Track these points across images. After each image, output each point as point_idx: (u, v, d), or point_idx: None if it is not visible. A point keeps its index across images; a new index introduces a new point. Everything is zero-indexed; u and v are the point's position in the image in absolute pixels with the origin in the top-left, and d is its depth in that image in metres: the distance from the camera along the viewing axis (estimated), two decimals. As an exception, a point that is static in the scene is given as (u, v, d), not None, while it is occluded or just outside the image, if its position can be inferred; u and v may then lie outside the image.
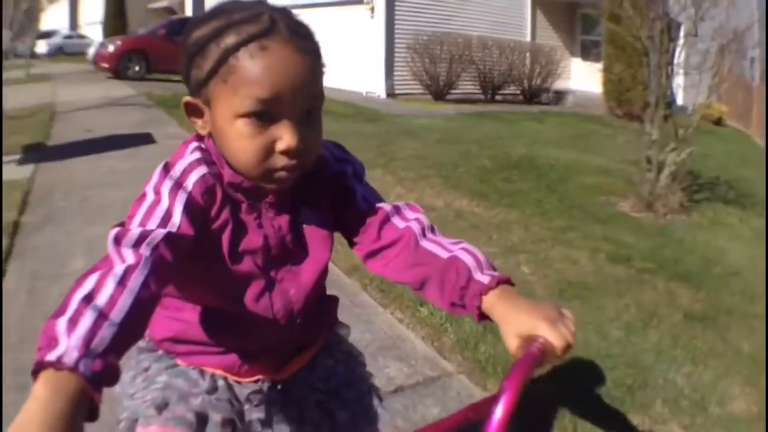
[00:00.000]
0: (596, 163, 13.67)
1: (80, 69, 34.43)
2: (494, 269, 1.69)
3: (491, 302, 1.60)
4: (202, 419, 1.75)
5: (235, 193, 1.71)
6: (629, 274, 7.43)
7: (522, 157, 14.13)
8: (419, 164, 12.25)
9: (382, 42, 27.31)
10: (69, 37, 61.76)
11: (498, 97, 28.65)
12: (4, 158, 11.47)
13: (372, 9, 27.55)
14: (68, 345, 1.14)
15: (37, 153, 12.22)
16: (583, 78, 27.71)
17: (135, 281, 1.32)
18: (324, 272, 1.89)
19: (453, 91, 27.31)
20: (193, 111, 1.67)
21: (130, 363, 1.92)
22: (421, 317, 5.58)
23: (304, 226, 1.83)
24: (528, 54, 29.14)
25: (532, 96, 29.33)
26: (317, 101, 1.65)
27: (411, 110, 22.99)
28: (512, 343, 1.51)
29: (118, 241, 1.42)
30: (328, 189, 1.86)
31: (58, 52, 56.80)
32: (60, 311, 1.22)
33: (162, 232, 1.48)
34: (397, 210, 1.86)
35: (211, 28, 1.58)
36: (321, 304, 1.99)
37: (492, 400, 1.35)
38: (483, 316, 1.63)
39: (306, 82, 1.57)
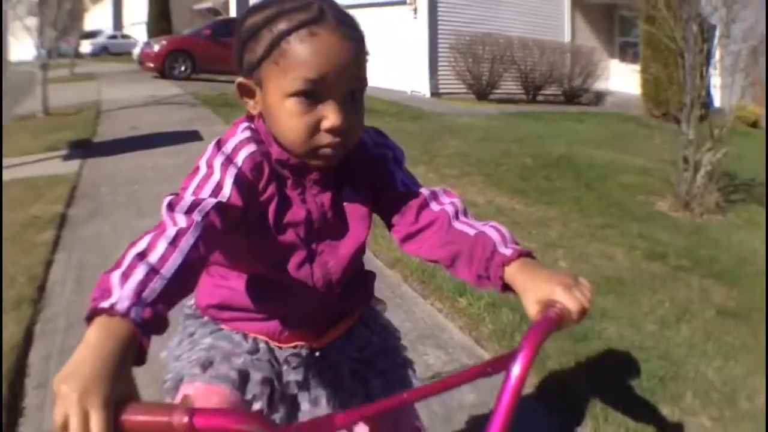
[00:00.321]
0: (634, 163, 13.70)
1: (125, 68, 34.80)
2: (518, 244, 1.79)
3: (513, 273, 1.71)
4: (243, 377, 1.90)
5: (282, 170, 1.86)
6: (664, 271, 7.48)
7: (562, 156, 14.24)
8: (462, 162, 12.41)
9: (426, 42, 27.44)
10: (113, 37, 62.08)
11: (539, 98, 28.65)
12: (51, 154, 11.84)
13: (415, 9, 27.66)
14: (121, 294, 1.27)
15: (83, 149, 12.44)
16: (621, 79, 27.65)
17: (186, 242, 1.46)
18: (362, 247, 2.02)
19: (495, 91, 27.35)
20: (245, 91, 1.82)
21: (177, 329, 2.10)
22: (460, 308, 5.72)
23: (345, 203, 1.96)
24: (568, 55, 29.10)
25: (572, 96, 29.27)
26: (360, 83, 1.78)
27: (454, 109, 23.05)
28: (532, 309, 1.60)
29: (171, 207, 1.56)
30: (367, 171, 1.99)
31: (103, 52, 57.13)
32: (115, 266, 1.36)
33: (213, 200, 1.63)
34: (434, 195, 1.98)
35: (264, 15, 1.71)
36: (358, 277, 2.11)
37: (509, 358, 1.43)
38: (506, 287, 1.73)
39: (350, 65, 1.71)
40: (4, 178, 10.04)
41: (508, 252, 1.74)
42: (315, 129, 1.71)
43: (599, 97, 29.26)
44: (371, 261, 6.74)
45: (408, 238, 1.99)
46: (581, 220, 9.26)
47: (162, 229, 1.49)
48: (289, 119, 1.72)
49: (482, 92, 27.04)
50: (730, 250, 8.89)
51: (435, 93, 27.29)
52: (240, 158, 1.78)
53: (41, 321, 5.26)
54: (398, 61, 27.87)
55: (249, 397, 1.90)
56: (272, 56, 1.68)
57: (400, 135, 14.01)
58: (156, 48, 28.67)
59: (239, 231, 1.78)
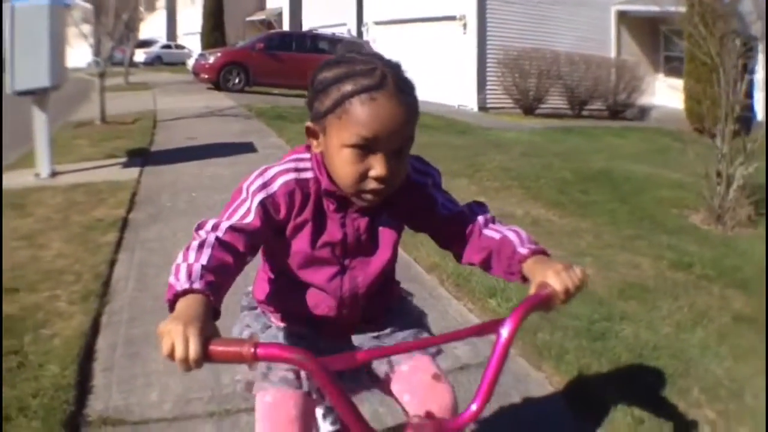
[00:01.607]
0: (672, 177, 13.84)
1: (179, 79, 35.44)
2: (535, 244, 2.22)
3: (528, 267, 2.15)
4: (296, 374, 2.34)
5: (328, 197, 2.25)
6: (688, 280, 7.73)
7: (600, 170, 14.48)
8: (503, 175, 12.75)
9: (474, 57, 27.84)
10: (167, 46, 62.58)
11: (584, 112, 28.90)
12: (110, 161, 12.42)
13: (464, 25, 28.02)
14: (179, 284, 1.80)
15: (141, 157, 12.91)
16: (666, 94, 27.79)
17: (207, 247, 1.97)
18: (388, 265, 2.43)
19: (542, 106, 27.77)
20: (311, 133, 2.19)
21: (237, 320, 2.63)
22: (489, 308, 6.13)
23: (380, 228, 2.36)
24: (613, 70, 29.25)
25: (617, 111, 29.46)
26: (408, 142, 2.11)
27: (500, 124, 23.42)
28: (532, 290, 2.04)
29: (197, 228, 2.09)
30: (411, 196, 2.35)
31: (156, 62, 57.53)
32: (171, 275, 1.87)
33: (227, 223, 2.10)
34: (470, 209, 2.41)
35: (334, 73, 2.07)
36: (383, 290, 2.50)
37: (499, 323, 1.87)
38: (525, 279, 2.16)
39: (401, 128, 2.04)
40: (67, 182, 10.69)
41: (524, 251, 2.19)
42: (364, 176, 2.07)
43: (643, 111, 29.28)
44: (412, 266, 7.24)
45: (451, 247, 2.46)
46: (613, 232, 9.53)
47: (187, 245, 1.99)
48: (343, 165, 2.08)
49: (529, 107, 27.41)
50: (756, 261, 8.96)
51: (482, 107, 27.70)
52: (276, 184, 2.22)
53: (107, 313, 5.77)
54: (447, 75, 28.32)
55: (306, 389, 2.34)
56: (336, 112, 2.04)
57: (445, 149, 14.41)
58: (211, 60, 29.15)
59: (281, 240, 2.29)
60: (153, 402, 4.41)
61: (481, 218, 2.38)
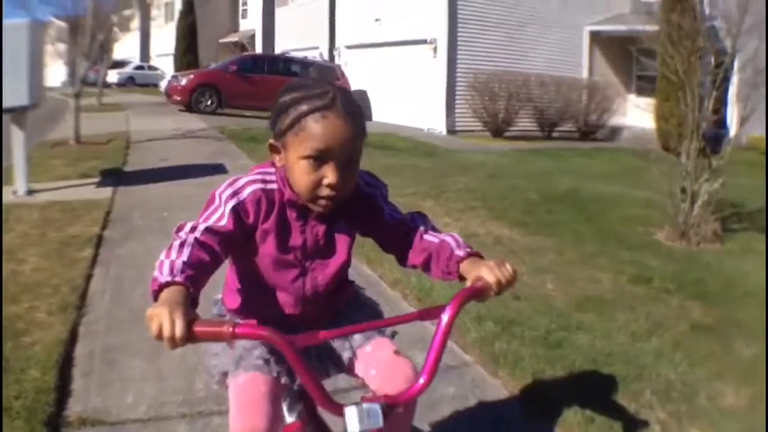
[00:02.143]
0: (639, 196, 13.93)
1: (152, 100, 35.63)
2: (470, 248, 2.57)
3: (464, 266, 2.50)
4: (266, 361, 2.62)
5: (291, 207, 2.56)
6: (647, 293, 7.96)
7: (568, 190, 14.74)
8: (468, 197, 12.97)
9: (444, 80, 28.05)
10: (140, 67, 62.50)
11: (555, 134, 29.18)
12: (85, 180, 12.64)
13: (434, 48, 28.23)
14: (162, 277, 2.11)
15: (114, 177, 13.15)
16: (637, 114, 28.09)
17: (187, 246, 2.27)
18: (344, 266, 2.74)
19: (511, 128, 27.97)
20: (274, 149, 2.52)
21: None
22: (459, 319, 6.34)
23: (336, 234, 2.67)
24: (584, 91, 29.57)
25: (588, 132, 29.75)
26: (355, 155, 2.45)
27: (469, 146, 23.69)
28: (469, 284, 2.41)
29: (177, 230, 2.38)
30: (361, 207, 2.68)
31: (129, 83, 57.37)
32: (156, 270, 2.16)
33: (204, 225, 2.38)
34: (412, 218, 2.75)
35: (292, 97, 2.41)
36: (341, 287, 2.82)
37: (440, 309, 2.27)
38: (462, 278, 2.50)
39: (349, 142, 2.38)
40: (44, 199, 10.93)
41: (461, 253, 2.54)
42: (318, 184, 2.40)
43: (615, 132, 29.50)
44: (377, 283, 7.52)
45: (394, 251, 2.79)
46: (576, 249, 9.77)
47: (170, 245, 2.29)
48: (301, 175, 2.41)
49: (498, 129, 27.66)
50: (718, 274, 9.26)
51: (451, 130, 28.02)
52: (245, 193, 2.51)
53: (84, 324, 6.01)
54: (417, 98, 28.67)
55: (275, 374, 2.62)
56: (294, 129, 2.38)
57: (412, 171, 14.68)
58: (183, 82, 29.31)
59: (250, 245, 2.58)
60: (129, 404, 4.65)
61: (421, 226, 2.72)
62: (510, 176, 16.45)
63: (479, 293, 2.37)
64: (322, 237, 2.65)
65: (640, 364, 5.79)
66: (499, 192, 13.76)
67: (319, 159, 2.37)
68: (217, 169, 14.47)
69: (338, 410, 2.14)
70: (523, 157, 21.78)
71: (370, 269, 7.92)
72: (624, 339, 6.40)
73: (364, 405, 2.14)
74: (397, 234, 2.73)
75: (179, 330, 1.89)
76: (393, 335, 2.89)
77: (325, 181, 2.39)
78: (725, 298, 8.14)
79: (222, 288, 2.92)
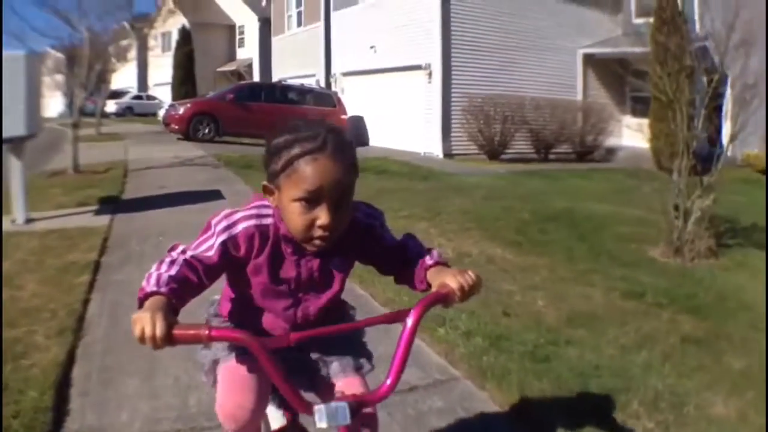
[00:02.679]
0: (633, 214, 14.10)
1: (150, 129, 35.73)
2: (440, 257, 2.74)
3: (430, 275, 2.65)
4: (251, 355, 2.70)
5: (286, 242, 2.64)
6: (638, 308, 8.05)
7: (561, 210, 14.81)
8: (463, 218, 13.04)
9: (439, 104, 28.13)
10: (138, 97, 62.37)
11: (551, 156, 29.21)
12: (83, 209, 12.77)
13: (429, 74, 28.31)
14: (148, 287, 2.29)
15: (112, 205, 13.29)
16: (633, 134, 28.05)
17: (176, 264, 2.44)
18: (336, 297, 2.86)
19: (507, 151, 28.00)
20: (268, 191, 2.57)
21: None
22: (438, 336, 6.49)
23: (331, 267, 2.77)
24: (579, 113, 29.70)
25: (584, 154, 29.81)
26: (347, 194, 2.50)
27: (465, 169, 23.77)
28: (434, 290, 2.54)
29: (170, 249, 2.55)
30: (360, 238, 2.76)
31: (127, 112, 57.22)
32: (144, 281, 2.34)
33: (193, 252, 2.52)
34: (404, 243, 2.86)
35: (285, 139, 2.47)
36: (332, 314, 2.90)
37: (405, 313, 2.40)
38: (430, 286, 2.64)
39: (340, 182, 2.43)
40: (42, 228, 11.05)
41: (430, 262, 2.71)
42: (311, 225, 2.46)
43: (611, 153, 29.58)
44: (369, 302, 7.60)
45: (392, 275, 2.91)
46: (568, 267, 9.86)
47: (161, 260, 2.47)
48: (294, 216, 2.47)
49: (494, 152, 27.69)
50: (711, 288, 9.34)
51: (448, 154, 28.04)
52: (237, 228, 2.60)
53: (82, 346, 6.13)
54: (413, 123, 28.80)
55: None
56: (286, 171, 2.44)
57: (407, 194, 14.79)
58: (181, 111, 29.43)
59: (241, 274, 2.70)
60: (124, 422, 4.76)
61: (413, 247, 2.85)
62: (505, 198, 16.53)
63: (443, 299, 2.49)
64: (317, 271, 2.73)
65: (628, 376, 5.87)
66: (493, 213, 13.86)
67: (311, 201, 2.43)
68: (214, 195, 14.61)
69: (309, 409, 2.27)
70: (518, 179, 21.88)
71: (362, 289, 7.99)
72: (613, 352, 6.49)
73: (332, 404, 2.26)
74: (395, 258, 2.83)
75: (159, 331, 2.07)
76: (369, 370, 3.01)
77: (318, 222, 2.45)
78: (717, 312, 8.22)
79: (219, 291, 3.04)
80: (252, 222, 2.62)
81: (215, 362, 2.88)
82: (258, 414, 2.84)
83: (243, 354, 2.75)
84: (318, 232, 2.48)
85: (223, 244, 2.57)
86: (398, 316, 2.45)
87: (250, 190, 15.13)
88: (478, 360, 5.97)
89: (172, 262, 2.44)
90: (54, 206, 13.12)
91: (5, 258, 8.87)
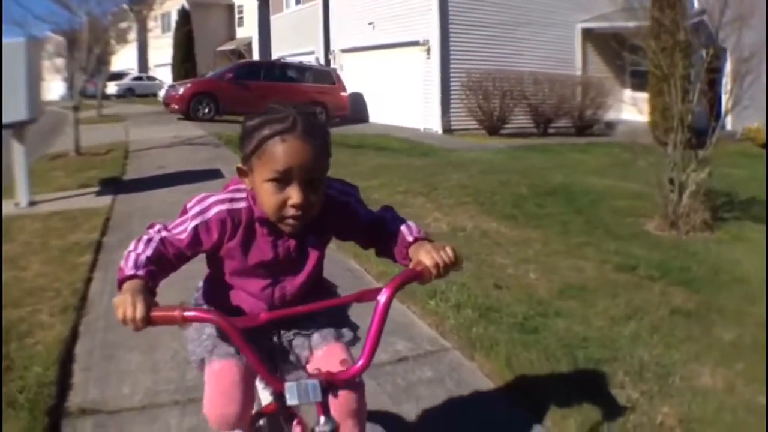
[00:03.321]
0: (631, 188, 14.13)
1: (151, 110, 35.77)
2: (419, 232, 2.73)
3: (412, 250, 2.65)
4: (236, 349, 2.77)
5: (262, 223, 2.69)
6: (630, 281, 8.14)
7: (559, 184, 14.93)
8: (459, 192, 13.19)
9: (438, 80, 28.16)
10: (138, 78, 62.47)
11: (551, 130, 29.26)
12: (85, 190, 12.95)
13: (428, 50, 28.30)
14: (127, 270, 2.42)
15: (113, 186, 13.45)
16: (632, 108, 27.92)
17: (153, 242, 2.57)
18: (313, 276, 2.91)
19: (506, 126, 28.09)
20: (242, 173, 2.63)
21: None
22: (429, 308, 6.65)
23: (308, 246, 2.82)
24: (578, 87, 29.68)
25: (583, 128, 29.77)
26: (318, 174, 2.53)
27: (464, 145, 23.90)
28: (410, 267, 2.56)
29: (148, 227, 2.68)
30: (336, 216, 2.79)
31: (128, 94, 57.30)
32: (123, 261, 2.47)
33: (167, 234, 2.63)
34: (381, 216, 2.84)
35: (256, 122, 2.52)
36: (311, 291, 2.94)
37: (377, 292, 2.45)
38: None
39: (309, 162, 2.47)
40: (45, 210, 11.22)
41: (410, 238, 2.70)
42: (283, 204, 2.51)
43: (610, 127, 29.46)
44: (363, 276, 7.81)
45: (372, 247, 2.91)
46: (562, 241, 9.98)
47: (140, 237, 2.60)
48: (266, 197, 2.53)
49: (493, 127, 27.82)
50: (706, 261, 9.42)
51: (447, 130, 28.16)
52: (210, 213, 2.67)
53: (84, 323, 6.32)
54: (412, 99, 28.81)
55: (245, 362, 2.80)
56: (257, 153, 2.49)
57: (405, 170, 14.90)
58: (181, 91, 29.54)
59: (216, 257, 2.79)
60: (125, 395, 4.94)
61: (390, 219, 2.84)
62: (503, 172, 16.58)
63: (417, 276, 2.50)
64: (294, 250, 2.79)
65: (615, 347, 5.99)
66: (490, 187, 13.95)
67: (282, 181, 2.48)
68: (213, 174, 14.70)
69: (280, 386, 2.33)
70: (517, 153, 21.91)
71: (356, 263, 8.18)
72: (602, 324, 6.60)
73: (303, 381, 2.30)
74: (373, 232, 2.84)
75: (139, 313, 2.22)
76: (353, 341, 3.06)
77: (290, 202, 2.50)
78: (710, 285, 8.30)
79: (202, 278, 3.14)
80: (225, 206, 2.69)
81: (201, 361, 3.00)
82: (245, 415, 2.95)
83: (225, 356, 2.89)
84: (290, 212, 2.53)
85: (195, 228, 2.65)
86: (371, 294, 2.48)
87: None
88: (468, 331, 6.10)
89: (149, 241, 2.57)
90: (56, 188, 13.29)
91: (10, 240, 9.06)
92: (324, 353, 2.94)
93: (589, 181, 15.81)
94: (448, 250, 2.55)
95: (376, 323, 2.42)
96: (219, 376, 2.89)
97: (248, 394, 2.93)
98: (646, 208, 12.27)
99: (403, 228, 2.76)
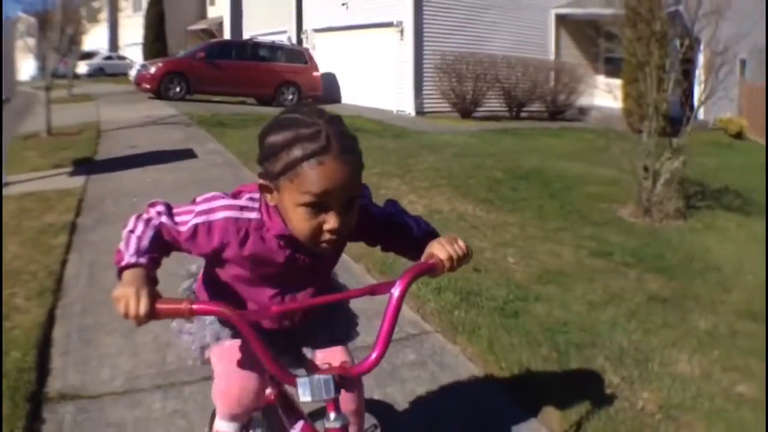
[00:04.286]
0: (604, 174, 14.24)
1: (122, 89, 35.29)
2: (428, 226, 2.68)
3: (423, 245, 2.50)
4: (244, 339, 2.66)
5: (278, 239, 2.47)
6: (606, 266, 8.25)
7: (533, 169, 14.96)
8: (434, 175, 13.17)
9: (411, 62, 28.07)
10: (109, 58, 61.65)
11: (523, 114, 29.29)
12: (57, 171, 12.79)
13: (401, 31, 28.24)
14: (127, 256, 2.28)
15: (86, 166, 13.29)
16: (605, 94, 28.08)
17: (151, 226, 2.43)
18: (326, 285, 2.83)
19: (479, 109, 28.09)
20: (265, 189, 2.34)
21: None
22: (410, 291, 6.53)
23: (322, 260, 2.67)
24: (552, 72, 29.78)
25: (556, 113, 29.88)
26: (355, 193, 2.31)
27: (437, 127, 23.79)
28: (422, 260, 2.44)
29: (150, 205, 2.52)
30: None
31: (99, 73, 56.51)
32: (122, 242, 2.34)
33: (165, 219, 2.46)
34: (389, 212, 2.71)
35: (283, 138, 2.22)
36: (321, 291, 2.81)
37: (391, 284, 2.32)
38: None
39: (348, 184, 2.23)
40: (18, 191, 11.08)
41: (419, 234, 2.62)
42: (319, 230, 2.27)
43: (583, 112, 29.68)
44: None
45: (378, 244, 2.79)
46: (538, 225, 10.03)
47: (140, 215, 2.46)
48: (299, 222, 2.27)
49: (466, 110, 27.81)
50: (679, 249, 9.59)
51: (420, 112, 28.09)
52: (216, 216, 2.46)
53: (61, 307, 6.23)
54: (385, 81, 28.73)
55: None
56: (288, 175, 2.20)
57: (379, 152, 14.81)
58: (152, 70, 29.17)
59: (217, 261, 2.60)
60: (105, 379, 4.89)
61: (396, 214, 2.73)
62: (476, 155, 16.64)
63: (430, 269, 2.38)
64: (307, 265, 2.61)
65: (594, 332, 6.07)
66: (464, 170, 13.96)
67: (317, 205, 2.23)
68: (186, 154, 14.69)
69: (292, 381, 2.24)
70: (489, 136, 21.92)
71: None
72: (581, 309, 6.69)
73: (316, 376, 2.22)
74: (381, 231, 2.70)
75: (143, 308, 2.07)
76: (355, 336, 3.05)
77: (326, 227, 2.27)
78: (685, 272, 8.43)
79: (201, 265, 2.97)
80: (232, 214, 2.48)
81: (203, 348, 2.88)
82: (261, 396, 2.83)
83: (232, 333, 2.79)
84: (326, 236, 2.30)
85: (196, 226, 2.47)
86: (383, 288, 2.36)
87: (223, 149, 15.39)
88: (449, 315, 6.15)
89: (148, 221, 2.44)
90: (29, 169, 13.15)
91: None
92: (325, 354, 2.89)
93: (562, 166, 15.89)
94: (461, 242, 2.45)
95: (390, 317, 2.31)
96: (231, 352, 2.76)
97: (264, 375, 2.78)
98: (620, 194, 12.42)
99: (410, 222, 2.69)
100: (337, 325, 3.01)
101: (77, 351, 5.34)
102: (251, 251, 2.50)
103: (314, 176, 2.17)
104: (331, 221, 2.25)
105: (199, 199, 2.53)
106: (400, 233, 2.67)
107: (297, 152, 2.18)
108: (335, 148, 2.19)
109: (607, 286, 7.44)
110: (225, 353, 2.79)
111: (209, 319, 2.87)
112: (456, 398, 4.88)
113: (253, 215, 2.48)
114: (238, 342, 2.76)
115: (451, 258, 2.40)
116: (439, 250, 2.41)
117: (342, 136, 2.25)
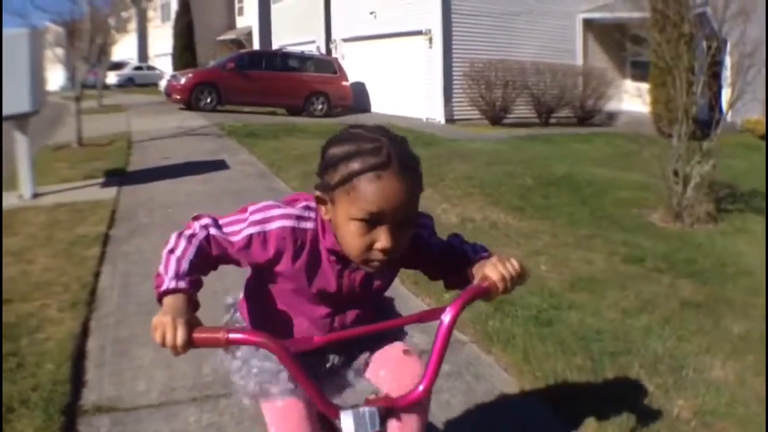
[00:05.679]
0: (634, 179, 14.12)
1: (152, 100, 35.60)
2: (484, 250, 2.53)
3: (475, 268, 2.39)
4: (293, 382, 2.49)
5: (330, 254, 2.41)
6: (639, 272, 8.19)
7: (563, 175, 14.91)
8: (466, 184, 13.15)
9: (440, 70, 28.09)
10: (139, 68, 62.26)
11: (552, 120, 29.16)
12: (89, 182, 12.85)
13: (430, 39, 28.27)
14: (167, 280, 2.21)
15: (118, 177, 13.32)
16: (633, 99, 27.90)
17: (196, 239, 2.35)
18: (377, 305, 2.75)
19: (509, 116, 28.05)
20: (321, 201, 2.28)
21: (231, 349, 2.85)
22: (444, 301, 6.32)
23: (375, 278, 2.54)
24: (580, 77, 29.64)
25: (585, 118, 29.74)
26: (411, 214, 2.22)
27: (467, 135, 23.72)
28: (475, 283, 2.32)
29: (195, 218, 2.43)
30: (409, 248, 2.39)
31: (128, 83, 57.06)
32: (162, 264, 2.27)
33: (217, 231, 2.37)
34: (450, 243, 2.60)
35: (344, 150, 2.18)
36: (372, 315, 2.71)
37: (440, 311, 2.23)
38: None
39: (404, 203, 2.14)
40: (49, 202, 11.12)
41: (474, 257, 2.47)
42: (369, 247, 2.19)
43: (611, 117, 29.49)
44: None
45: (438, 278, 2.67)
46: (570, 232, 9.99)
47: (182, 231, 2.38)
48: (351, 237, 2.20)
49: (495, 117, 27.77)
50: (711, 253, 9.49)
51: (450, 119, 28.10)
52: (272, 225, 2.37)
53: (95, 318, 6.25)
54: (414, 89, 28.74)
55: (303, 396, 2.53)
56: (345, 187, 2.14)
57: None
58: (182, 81, 29.34)
59: (269, 274, 2.50)
60: (141, 391, 4.90)
61: (456, 246, 2.61)
62: (507, 163, 16.56)
63: (483, 293, 2.28)
64: (359, 283, 2.53)
65: (629, 340, 6.03)
66: (496, 178, 13.91)
67: (371, 222, 2.16)
68: (219, 165, 14.73)
69: (336, 413, 2.13)
70: (520, 143, 21.79)
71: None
72: (614, 316, 6.64)
73: (361, 409, 2.12)
74: (441, 263, 2.58)
75: (180, 338, 2.01)
76: (405, 336, 2.86)
77: (378, 245, 2.19)
78: (717, 277, 8.34)
79: (237, 295, 2.93)
80: (290, 223, 2.39)
81: (255, 397, 2.66)
82: None
83: (288, 394, 2.59)
84: (377, 255, 2.22)
85: (250, 236, 2.37)
86: (434, 314, 2.27)
87: (255, 160, 15.45)
88: (484, 324, 6.12)
89: (191, 237, 2.34)
90: (60, 180, 13.16)
91: (15, 233, 9.01)
92: (384, 349, 2.74)
93: (592, 172, 15.79)
94: (514, 261, 2.33)
95: (440, 344, 2.21)
96: (285, 415, 2.61)
97: (317, 426, 2.65)
98: (650, 199, 12.33)
99: (468, 250, 2.56)
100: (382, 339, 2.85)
101: (112, 363, 5.36)
102: (306, 262, 2.43)
103: (370, 191, 2.12)
104: (382, 240, 2.18)
105: (252, 208, 2.44)
106: (459, 263, 2.53)
107: (355, 165, 2.14)
108: (395, 165, 2.14)
109: (639, 293, 7.38)
110: (277, 415, 2.63)
111: (254, 363, 2.66)
112: (492, 409, 4.86)
113: (310, 225, 2.42)
114: (289, 402, 2.60)
115: (504, 279, 2.28)
116: (491, 270, 2.29)
117: (403, 155, 2.19)
